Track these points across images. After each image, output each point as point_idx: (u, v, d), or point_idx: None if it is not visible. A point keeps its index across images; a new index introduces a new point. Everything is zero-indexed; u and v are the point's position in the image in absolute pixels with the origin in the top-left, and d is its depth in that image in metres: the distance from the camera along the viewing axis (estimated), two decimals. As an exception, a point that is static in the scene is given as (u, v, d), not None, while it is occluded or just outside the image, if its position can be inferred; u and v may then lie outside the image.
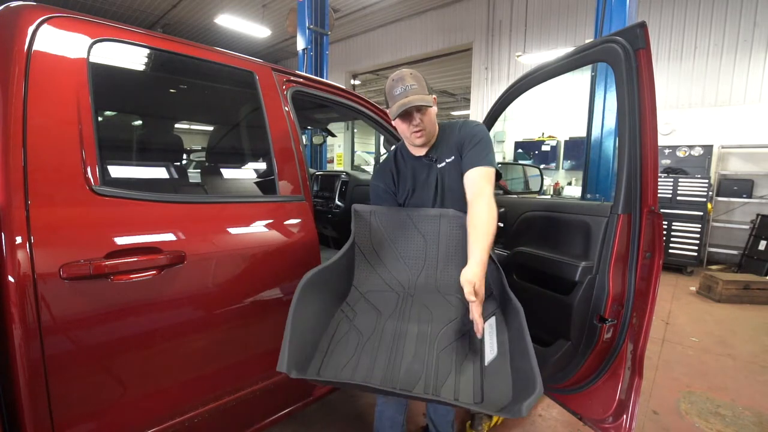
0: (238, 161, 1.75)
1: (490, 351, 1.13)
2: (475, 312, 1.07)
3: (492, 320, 1.23)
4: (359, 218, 1.48)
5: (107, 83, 1.12)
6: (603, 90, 3.31)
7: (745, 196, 5.26)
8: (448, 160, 1.42)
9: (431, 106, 1.33)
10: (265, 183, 1.47)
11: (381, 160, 1.71)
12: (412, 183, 1.49)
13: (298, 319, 1.06)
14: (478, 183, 1.28)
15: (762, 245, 5.00)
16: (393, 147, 1.63)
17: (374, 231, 1.48)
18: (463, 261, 1.39)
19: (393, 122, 1.39)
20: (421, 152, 1.46)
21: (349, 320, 1.29)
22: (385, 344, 1.19)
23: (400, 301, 1.37)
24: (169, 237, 1.09)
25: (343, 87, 1.88)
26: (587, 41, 1.54)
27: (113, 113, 1.42)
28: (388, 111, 1.37)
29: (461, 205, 1.41)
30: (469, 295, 1.06)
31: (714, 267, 5.37)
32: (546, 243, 1.58)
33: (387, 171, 1.53)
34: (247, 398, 1.30)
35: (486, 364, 1.10)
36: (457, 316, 1.28)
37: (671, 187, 5.29)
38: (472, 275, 1.07)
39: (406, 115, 1.32)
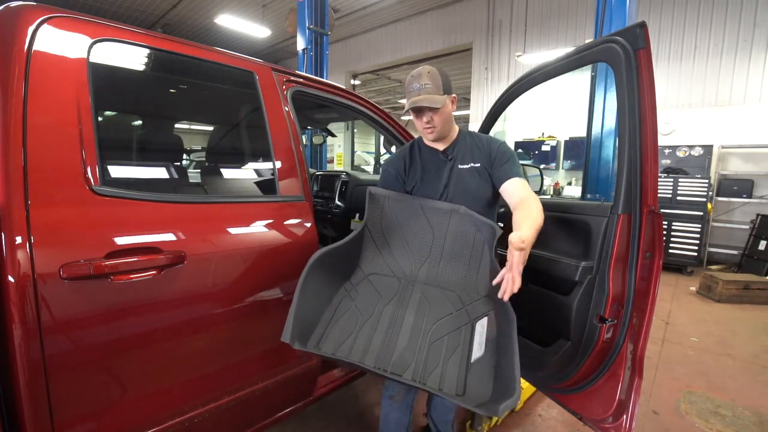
0: (238, 161, 1.75)
1: (478, 349, 1.17)
2: (514, 267, 1.02)
3: (484, 320, 1.26)
4: (373, 200, 1.50)
5: (107, 83, 1.12)
6: (603, 90, 3.30)
7: (745, 196, 5.26)
8: (474, 165, 1.47)
9: (438, 108, 1.36)
10: (265, 183, 1.47)
11: (394, 152, 1.76)
12: (422, 174, 1.52)
13: (305, 294, 1.11)
14: (521, 189, 1.37)
15: (762, 245, 5.00)
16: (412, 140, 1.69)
17: (386, 215, 1.50)
18: (468, 260, 1.42)
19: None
20: (439, 146, 1.51)
21: (350, 299, 1.32)
22: (382, 328, 1.24)
23: (401, 289, 1.39)
24: (169, 237, 1.09)
25: (343, 87, 1.88)
26: (587, 41, 1.54)
27: (113, 113, 1.42)
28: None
29: (469, 205, 1.44)
30: (516, 245, 1.00)
31: (714, 267, 5.37)
32: (546, 243, 1.57)
33: (400, 158, 1.58)
34: (246, 398, 1.30)
35: (472, 360, 1.14)
36: (452, 312, 1.31)
37: (671, 187, 5.29)
38: (519, 235, 1.04)
39: (418, 111, 1.40)
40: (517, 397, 0.89)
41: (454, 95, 1.43)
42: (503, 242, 1.35)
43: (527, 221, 1.15)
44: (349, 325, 1.24)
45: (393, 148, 1.94)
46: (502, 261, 1.28)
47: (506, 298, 1.04)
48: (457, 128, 1.53)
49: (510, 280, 1.02)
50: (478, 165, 1.47)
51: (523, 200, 1.31)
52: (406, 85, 1.42)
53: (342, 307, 1.29)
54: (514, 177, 1.39)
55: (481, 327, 1.24)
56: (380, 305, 1.32)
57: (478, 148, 1.49)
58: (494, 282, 1.09)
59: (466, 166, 1.47)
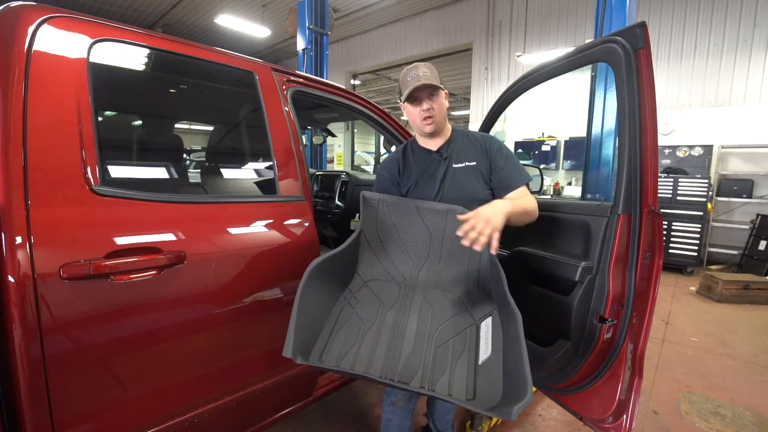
0: (238, 161, 1.75)
1: (485, 351, 1.15)
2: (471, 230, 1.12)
3: (488, 320, 1.25)
4: (368, 204, 1.48)
5: (107, 83, 1.12)
6: (603, 90, 3.31)
7: (745, 196, 5.26)
8: (468, 164, 1.46)
9: (442, 89, 1.37)
10: (265, 183, 1.47)
11: (388, 155, 1.75)
12: (417, 175, 1.51)
13: (304, 305, 1.09)
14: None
15: (762, 245, 5.00)
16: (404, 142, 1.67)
17: (381, 219, 1.47)
18: (468, 260, 1.41)
19: (404, 110, 1.43)
20: (433, 146, 1.49)
21: (351, 307, 1.30)
22: (385, 336, 1.21)
23: (402, 293, 1.37)
24: (170, 237, 1.09)
25: (343, 87, 1.88)
26: (587, 41, 1.54)
27: (113, 113, 1.42)
28: (401, 104, 1.43)
29: (465, 205, 1.43)
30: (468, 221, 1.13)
31: (714, 267, 5.37)
32: (546, 243, 1.57)
33: (394, 161, 1.56)
34: (246, 398, 1.30)
35: (479, 363, 1.12)
36: (456, 314, 1.29)
37: (671, 187, 5.29)
38: (483, 208, 1.18)
39: (417, 99, 1.37)
40: (530, 398, 0.85)
41: (446, 91, 1.43)
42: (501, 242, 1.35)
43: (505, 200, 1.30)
44: (351, 334, 1.21)
45: (393, 148, 1.93)
46: (501, 261, 1.28)
47: (467, 243, 1.11)
48: (450, 127, 1.52)
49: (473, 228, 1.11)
50: (474, 164, 1.45)
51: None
52: (401, 79, 1.40)
53: (343, 316, 1.27)
54: (516, 187, 1.40)
55: (486, 327, 1.22)
56: (382, 312, 1.29)
57: (473, 146, 1.48)
58: (460, 231, 1.14)
59: (460, 165, 1.46)
